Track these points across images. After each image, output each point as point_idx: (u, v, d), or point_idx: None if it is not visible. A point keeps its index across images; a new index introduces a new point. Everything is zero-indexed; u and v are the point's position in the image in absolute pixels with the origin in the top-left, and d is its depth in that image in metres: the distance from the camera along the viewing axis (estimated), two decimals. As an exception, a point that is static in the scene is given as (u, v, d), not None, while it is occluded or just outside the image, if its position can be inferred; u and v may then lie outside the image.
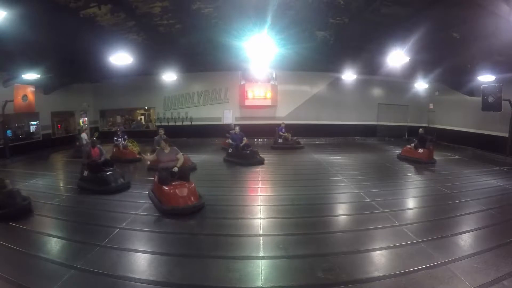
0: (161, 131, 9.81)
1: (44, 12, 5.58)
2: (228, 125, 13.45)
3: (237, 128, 10.87)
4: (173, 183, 5.57)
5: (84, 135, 12.16)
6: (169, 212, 5.24)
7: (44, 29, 6.34)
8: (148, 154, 6.04)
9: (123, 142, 11.04)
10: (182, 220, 5.22)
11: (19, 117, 11.83)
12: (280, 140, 13.20)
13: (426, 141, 10.11)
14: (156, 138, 9.52)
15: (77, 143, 11.85)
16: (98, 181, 6.72)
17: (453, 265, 3.47)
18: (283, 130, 13.39)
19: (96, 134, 12.97)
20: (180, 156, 6.15)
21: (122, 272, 3.44)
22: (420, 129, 10.74)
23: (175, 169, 5.84)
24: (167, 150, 6.20)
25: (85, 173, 6.98)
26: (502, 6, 5.13)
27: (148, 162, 7.60)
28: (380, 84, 15.94)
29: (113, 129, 16.21)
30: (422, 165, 9.51)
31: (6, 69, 10.02)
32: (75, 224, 4.99)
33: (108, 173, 6.85)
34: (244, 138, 10.40)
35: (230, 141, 10.77)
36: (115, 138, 11.22)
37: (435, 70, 10.87)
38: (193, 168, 8.73)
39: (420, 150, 9.97)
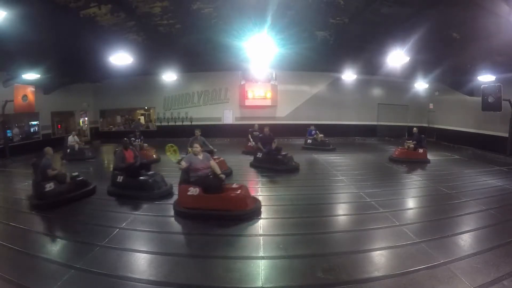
0: (198, 132, 8.50)
1: (44, 12, 5.58)
2: (253, 127, 12.55)
3: (266, 129, 9.64)
4: (229, 188, 5.23)
5: (71, 138, 11.27)
6: (239, 218, 4.92)
7: (44, 29, 6.35)
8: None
9: (140, 143, 10.41)
10: (182, 220, 5.22)
11: (19, 117, 11.84)
12: (309, 141, 13.00)
13: (422, 140, 10.15)
14: (191, 139, 7.99)
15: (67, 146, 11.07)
16: (137, 187, 6.12)
17: (453, 265, 3.47)
18: (313, 132, 13.16)
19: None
20: (214, 163, 5.49)
21: (122, 272, 3.43)
22: (415, 129, 10.80)
23: (222, 176, 5.26)
24: (201, 156, 5.46)
25: (120, 178, 6.32)
26: (502, 6, 5.14)
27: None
28: (380, 84, 15.95)
29: (119, 128, 16.05)
30: (421, 165, 9.53)
31: (6, 69, 10.02)
32: (75, 224, 4.99)
33: (149, 178, 6.23)
34: (275, 140, 9.18)
35: (255, 143, 9.55)
36: (132, 139, 10.54)
37: (435, 70, 10.88)
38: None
39: (420, 150, 9.97)
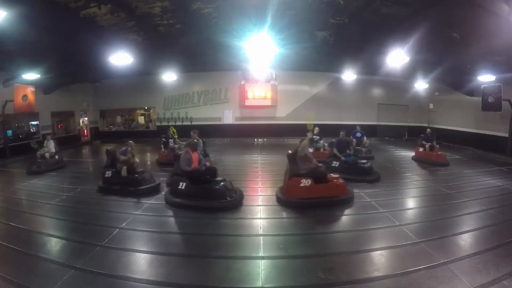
0: (193, 134, 7.98)
1: (44, 12, 5.58)
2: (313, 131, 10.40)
3: (342, 132, 8.47)
4: (331, 178, 5.90)
5: (51, 144, 9.54)
6: (343, 202, 5.67)
7: (44, 29, 6.35)
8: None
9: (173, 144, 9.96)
10: (182, 220, 5.23)
11: (19, 117, 11.84)
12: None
13: (430, 140, 10.01)
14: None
15: (40, 152, 9.16)
16: (206, 195, 5.57)
17: (453, 265, 3.47)
18: (359, 134, 11.03)
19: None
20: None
21: (122, 272, 3.43)
22: (428, 130, 10.60)
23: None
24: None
25: (182, 185, 5.70)
26: (502, 6, 5.14)
27: None
28: (380, 84, 15.94)
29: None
30: (429, 166, 9.27)
31: (6, 69, 10.03)
32: (75, 224, 4.98)
33: (218, 185, 5.64)
34: (351, 146, 8.20)
35: (331, 148, 8.18)
36: (164, 140, 10.20)
37: (435, 70, 10.88)
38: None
39: (439, 152, 9.72)
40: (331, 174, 6.10)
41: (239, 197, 5.81)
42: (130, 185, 6.50)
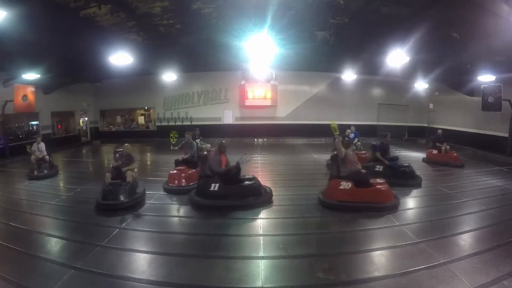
0: (188, 136, 7.73)
1: (44, 12, 5.58)
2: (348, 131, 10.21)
3: (387, 137, 7.91)
4: (374, 183, 5.65)
5: (34, 147, 8.71)
6: (386, 209, 5.34)
7: (44, 29, 6.34)
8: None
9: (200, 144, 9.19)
10: (182, 220, 5.22)
11: (19, 117, 11.84)
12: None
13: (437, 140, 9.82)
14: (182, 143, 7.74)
15: (34, 155, 8.46)
16: (242, 193, 5.62)
17: (453, 265, 3.47)
18: (352, 135, 10.51)
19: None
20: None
21: (122, 272, 3.43)
22: (439, 131, 10.32)
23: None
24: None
25: (215, 186, 5.59)
26: (502, 6, 5.14)
27: None
28: (380, 84, 15.95)
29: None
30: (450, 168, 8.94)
31: (6, 69, 10.03)
32: (75, 224, 4.98)
33: (253, 182, 5.78)
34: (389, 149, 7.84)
35: (376, 153, 7.69)
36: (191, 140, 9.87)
37: (435, 70, 10.88)
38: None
39: (454, 154, 9.48)
40: (377, 179, 5.79)
41: (270, 192, 5.97)
42: (105, 199, 5.47)
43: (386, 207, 5.36)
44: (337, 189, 5.54)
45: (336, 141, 5.76)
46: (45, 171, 8.32)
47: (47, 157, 8.65)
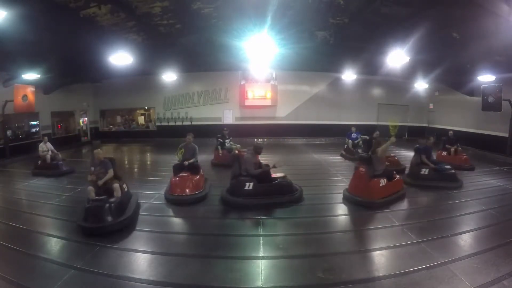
0: (190, 138, 7.08)
1: (44, 12, 5.58)
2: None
3: (430, 141, 7.58)
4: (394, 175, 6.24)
5: (42, 146, 8.93)
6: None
7: (44, 29, 6.35)
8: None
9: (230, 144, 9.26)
10: (182, 220, 5.22)
11: (19, 117, 11.83)
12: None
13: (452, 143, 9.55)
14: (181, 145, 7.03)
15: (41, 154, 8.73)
16: (278, 191, 5.76)
17: (453, 265, 3.47)
18: (354, 135, 10.93)
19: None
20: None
21: (122, 272, 3.44)
22: (450, 132, 10.14)
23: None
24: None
25: (249, 185, 5.62)
26: (502, 6, 5.14)
27: None
28: (380, 84, 15.94)
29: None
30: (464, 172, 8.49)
31: (6, 69, 10.03)
32: (75, 224, 4.97)
33: (286, 180, 5.94)
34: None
35: (420, 156, 7.32)
36: (220, 140, 9.52)
37: (435, 70, 10.88)
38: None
39: (464, 156, 9.17)
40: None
41: (301, 190, 6.14)
42: (86, 220, 4.50)
43: (404, 194, 6.18)
44: (379, 187, 5.76)
45: (389, 141, 5.87)
46: (64, 168, 8.63)
47: (58, 154, 9.07)
